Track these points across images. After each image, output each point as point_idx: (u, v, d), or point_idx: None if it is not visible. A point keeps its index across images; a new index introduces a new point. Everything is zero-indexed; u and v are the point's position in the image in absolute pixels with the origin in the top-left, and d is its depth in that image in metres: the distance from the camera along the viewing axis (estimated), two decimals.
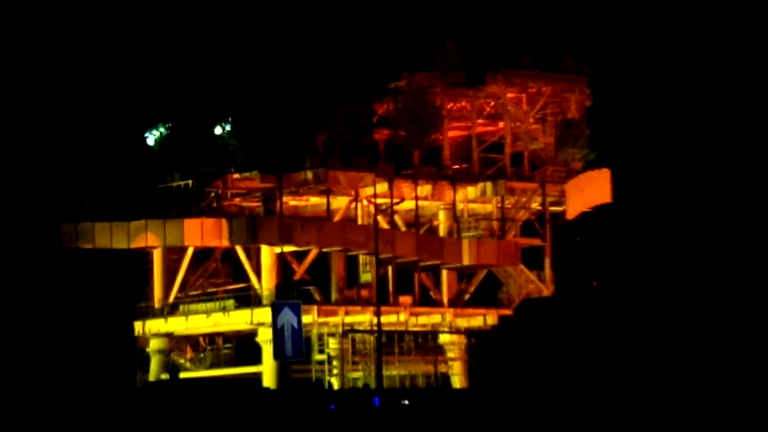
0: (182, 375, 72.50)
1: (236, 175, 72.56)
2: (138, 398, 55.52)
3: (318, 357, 72.62)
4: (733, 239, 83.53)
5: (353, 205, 74.39)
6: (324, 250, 73.67)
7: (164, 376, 72.36)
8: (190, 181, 72.79)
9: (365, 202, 74.26)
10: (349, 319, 73.89)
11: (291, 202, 75.03)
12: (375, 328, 65.14)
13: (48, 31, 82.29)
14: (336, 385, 72.97)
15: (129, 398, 55.18)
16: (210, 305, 73.53)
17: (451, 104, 76.68)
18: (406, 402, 55.98)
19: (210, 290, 75.24)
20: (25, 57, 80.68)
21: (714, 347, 69.18)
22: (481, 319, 76.97)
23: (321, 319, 72.83)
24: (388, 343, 72.74)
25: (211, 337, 76.48)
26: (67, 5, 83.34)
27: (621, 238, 79.76)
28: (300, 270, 74.61)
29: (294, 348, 36.21)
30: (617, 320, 77.01)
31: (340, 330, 73.44)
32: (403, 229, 76.20)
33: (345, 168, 72.35)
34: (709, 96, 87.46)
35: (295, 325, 36.41)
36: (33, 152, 76.81)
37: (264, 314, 69.29)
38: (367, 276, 75.17)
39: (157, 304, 73.89)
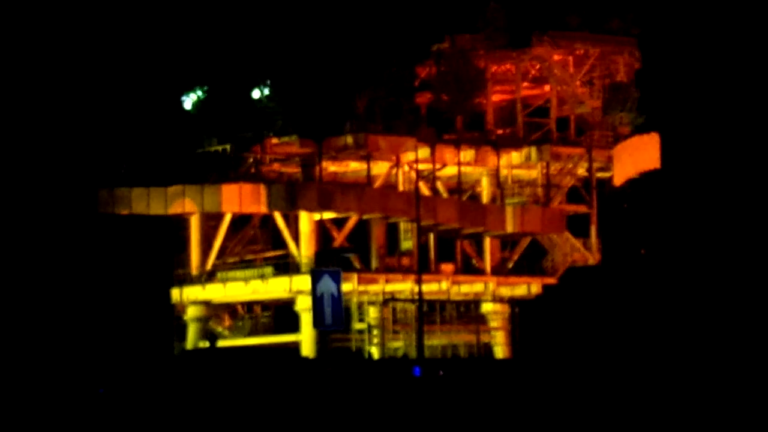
0: (220, 343, 72.44)
1: (275, 140, 72.32)
2: (176, 366, 55.54)
3: (358, 326, 72.37)
4: None
5: (394, 170, 73.93)
6: (364, 217, 73.27)
7: (202, 344, 72.37)
8: (227, 146, 72.58)
9: (406, 168, 73.76)
10: (389, 288, 73.54)
11: (330, 167, 74.64)
12: (416, 296, 65.22)
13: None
14: (376, 355, 72.81)
15: (167, 366, 55.26)
16: (248, 272, 73.47)
17: (495, 67, 76.09)
18: (441, 373, 55.49)
19: (248, 257, 75.20)
20: (58, 24, 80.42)
21: (760, 320, 67.90)
22: (525, 287, 76.50)
23: (361, 288, 72.48)
24: (429, 312, 72.41)
25: (250, 305, 76.39)
26: None
27: (670, 206, 78.99)
28: (339, 237, 74.46)
29: (333, 316, 35.68)
30: (665, 291, 75.98)
31: (380, 299, 73.21)
32: (445, 195, 75.84)
33: (386, 132, 71.96)
34: (763, 62, 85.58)
35: (335, 293, 35.86)
36: (69, 116, 76.80)
37: (303, 282, 69.10)
38: (408, 243, 74.96)
39: (194, 271, 73.89)
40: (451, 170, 74.53)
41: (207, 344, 70.87)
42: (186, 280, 74.03)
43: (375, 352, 73.04)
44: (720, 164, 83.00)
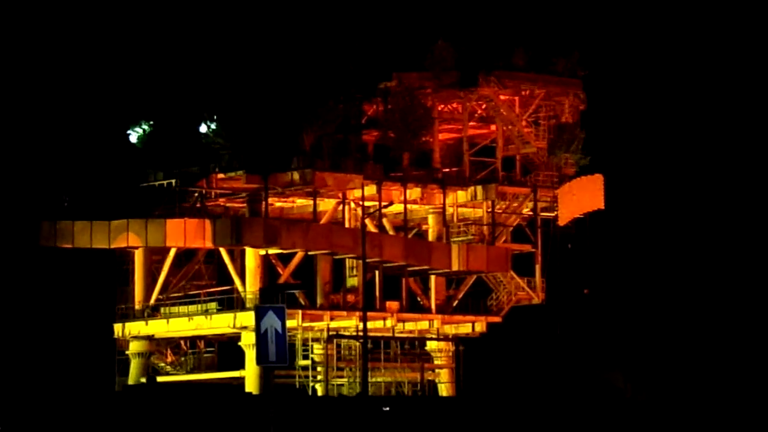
0: (162, 379, 72.20)
1: (221, 175, 72.17)
2: (117, 402, 55.15)
3: (302, 362, 72.29)
4: (725, 248, 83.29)
5: (340, 207, 73.93)
6: (310, 253, 73.16)
7: (144, 380, 71.81)
8: (173, 180, 72.34)
9: (353, 205, 73.83)
10: (334, 324, 73.49)
11: (277, 203, 74.66)
12: (361, 333, 64.79)
13: (29, 27, 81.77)
14: (320, 392, 72.71)
15: (108, 402, 54.87)
16: (192, 308, 73.02)
17: (442, 106, 76.39)
18: (387, 409, 55.73)
19: (192, 292, 74.73)
20: (5, 54, 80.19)
21: (706, 352, 69.00)
22: (470, 326, 76.78)
23: (306, 324, 72.50)
24: (374, 349, 72.35)
25: (193, 341, 76.05)
26: (50, 3, 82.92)
27: (613, 246, 79.98)
28: (285, 273, 74.18)
29: (278, 353, 35.59)
30: (608, 329, 76.85)
31: (325, 335, 73.02)
32: (391, 232, 75.83)
33: (332, 169, 71.97)
34: (704, 103, 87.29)
35: (279, 329, 35.78)
36: (11, 148, 76.37)
37: (247, 318, 68.91)
38: (353, 280, 74.95)
39: (137, 306, 73.36)
40: (397, 208, 74.53)
41: (147, 380, 70.62)
42: (129, 314, 73.51)
43: (319, 388, 73.00)
44: (662, 206, 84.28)
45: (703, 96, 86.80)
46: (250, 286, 71.88)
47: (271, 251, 73.08)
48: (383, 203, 72.18)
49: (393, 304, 75.15)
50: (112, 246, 71.71)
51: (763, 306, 76.38)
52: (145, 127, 73.49)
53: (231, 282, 73.17)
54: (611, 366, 67.80)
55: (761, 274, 79.89)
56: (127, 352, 73.73)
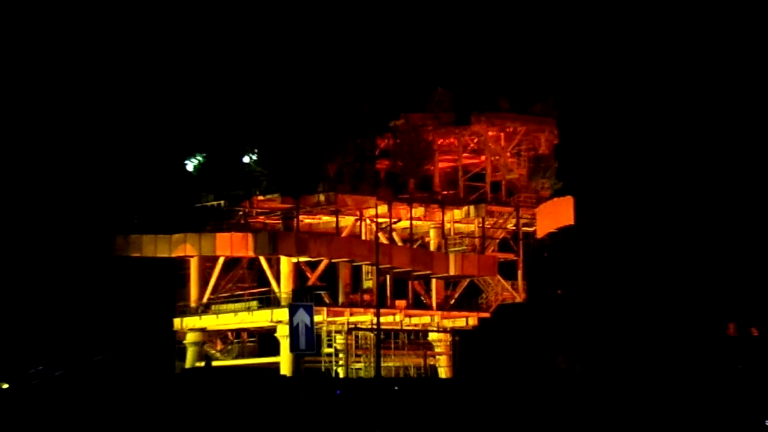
0: (213, 363, 72.29)
1: (260, 197, 72.44)
2: (176, 383, 55.42)
3: (327, 350, 72.37)
4: (674, 252, 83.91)
5: (358, 223, 74.34)
6: (333, 260, 73.52)
7: (198, 365, 72.16)
8: (222, 202, 72.68)
9: (368, 221, 74.18)
10: (353, 319, 73.75)
11: (306, 220, 74.92)
12: (375, 326, 65.10)
13: (101, 76, 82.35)
14: (341, 374, 72.77)
15: (169, 382, 55.12)
16: (237, 305, 73.29)
17: (441, 140, 76.65)
18: (396, 388, 55.72)
19: (237, 293, 74.94)
20: (87, 98, 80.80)
21: (653, 344, 69.48)
22: (464, 320, 76.80)
23: (329, 319, 72.69)
24: (385, 339, 72.46)
25: (238, 332, 76.22)
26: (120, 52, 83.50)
27: (582, 255, 79.90)
28: (313, 277, 74.47)
29: (307, 343, 35.90)
30: (577, 323, 77.20)
31: (345, 328, 73.22)
32: (400, 244, 76.22)
33: (352, 192, 72.22)
34: (657, 140, 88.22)
35: (308, 323, 36.11)
36: (91, 176, 76.87)
37: (282, 314, 69.23)
38: (368, 283, 75.22)
39: (193, 304, 73.77)
40: (404, 223, 74.91)
41: (203, 364, 70.65)
42: (186, 311, 73.91)
43: (341, 371, 73.09)
44: (623, 222, 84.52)
45: (656, 136, 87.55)
46: (284, 288, 72.31)
47: (302, 259, 73.49)
48: (393, 220, 72.86)
49: (401, 302, 75.56)
50: (173, 255, 72.21)
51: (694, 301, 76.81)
52: (200, 158, 73.95)
53: (268, 284, 73.57)
54: (557, 350, 68.13)
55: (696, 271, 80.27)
56: (184, 342, 74.09)
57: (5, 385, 53.41)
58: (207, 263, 73.85)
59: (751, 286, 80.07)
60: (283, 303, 71.00)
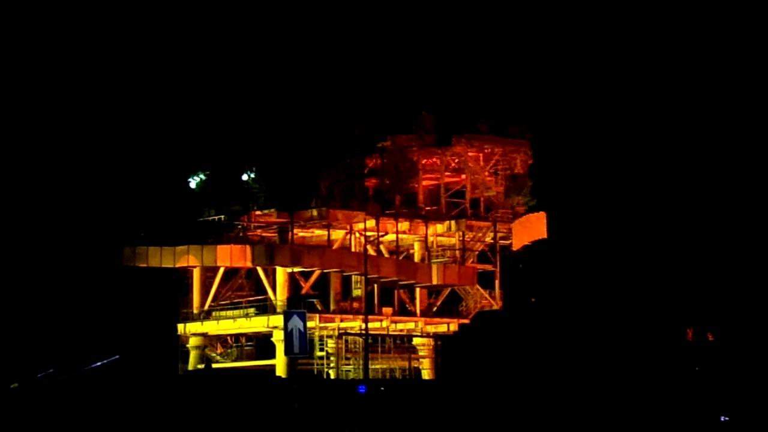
0: (214, 366, 73.12)
1: (258, 212, 72.61)
2: (180, 382, 55.98)
3: (319, 354, 72.79)
4: (638, 264, 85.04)
5: (348, 236, 74.61)
6: (325, 271, 74.01)
7: (200, 366, 72.67)
8: (222, 216, 72.95)
9: (357, 235, 74.50)
10: (343, 325, 74.21)
11: (300, 233, 75.21)
12: (363, 332, 65.30)
13: (112, 93, 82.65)
14: (333, 376, 73.34)
15: (173, 382, 55.78)
16: (236, 312, 73.72)
17: (425, 160, 77.23)
18: (383, 389, 56.13)
19: (236, 300, 75.40)
20: (93, 118, 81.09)
21: (619, 350, 70.53)
22: (446, 326, 77.29)
23: (322, 325, 73.17)
24: (373, 343, 73.02)
25: (237, 337, 76.66)
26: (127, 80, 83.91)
27: (554, 266, 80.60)
28: (306, 286, 74.86)
29: (300, 347, 36.31)
30: (550, 328, 78.12)
31: (336, 333, 73.62)
32: (387, 255, 76.66)
33: (342, 208, 72.55)
34: (621, 160, 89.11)
35: (302, 329, 36.57)
36: (101, 193, 77.29)
37: (278, 320, 69.51)
38: (357, 291, 75.57)
39: (195, 311, 74.19)
40: (391, 237, 75.58)
41: (203, 366, 70.81)
42: (188, 317, 74.37)
43: (332, 373, 73.71)
44: (591, 236, 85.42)
45: (622, 160, 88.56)
46: (279, 296, 72.74)
47: (296, 270, 73.98)
48: (380, 233, 73.35)
49: (388, 310, 76.29)
50: (177, 265, 72.57)
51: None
52: (202, 176, 74.36)
53: (265, 293, 74.05)
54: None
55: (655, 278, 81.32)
56: (187, 346, 74.68)
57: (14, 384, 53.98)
58: (208, 273, 74.41)
59: (708, 295, 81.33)
60: (278, 310, 71.48)
